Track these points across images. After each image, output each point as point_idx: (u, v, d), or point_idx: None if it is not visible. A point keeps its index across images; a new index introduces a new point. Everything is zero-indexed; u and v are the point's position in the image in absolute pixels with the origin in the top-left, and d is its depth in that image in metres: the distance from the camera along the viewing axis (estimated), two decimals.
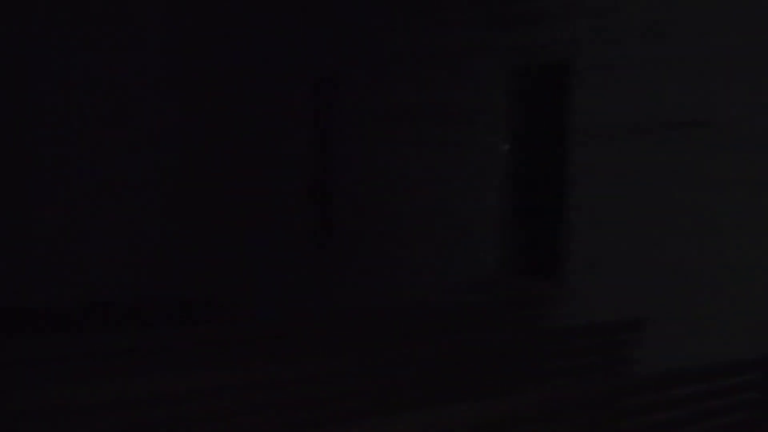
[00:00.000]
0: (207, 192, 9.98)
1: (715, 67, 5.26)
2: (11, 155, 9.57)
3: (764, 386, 4.68)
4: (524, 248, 6.56)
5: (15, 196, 9.62)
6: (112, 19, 10.01)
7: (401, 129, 7.41)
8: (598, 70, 5.87)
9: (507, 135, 6.58)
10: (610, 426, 4.11)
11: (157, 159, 10.35)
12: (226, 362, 4.84)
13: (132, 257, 10.23)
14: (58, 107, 9.76)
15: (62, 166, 9.81)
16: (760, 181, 5.01)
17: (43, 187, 9.75)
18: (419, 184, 7.22)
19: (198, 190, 10.11)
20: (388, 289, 7.43)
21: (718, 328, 5.13)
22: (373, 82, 7.75)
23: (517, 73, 6.56)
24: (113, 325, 9.12)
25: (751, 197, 5.06)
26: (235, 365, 4.14)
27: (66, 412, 3.60)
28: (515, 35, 6.42)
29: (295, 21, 8.71)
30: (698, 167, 5.33)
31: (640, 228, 5.61)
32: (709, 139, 5.28)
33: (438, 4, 7.11)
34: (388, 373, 4.50)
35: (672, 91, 5.47)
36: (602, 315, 5.60)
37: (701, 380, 4.43)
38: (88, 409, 3.66)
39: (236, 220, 9.53)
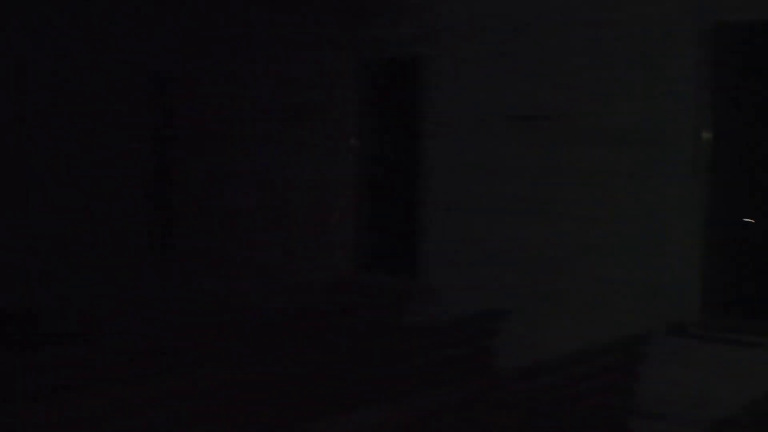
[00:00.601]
0: (34, 198, 9.29)
1: (561, 63, 5.38)
2: None
3: (626, 369, 4.82)
4: (381, 246, 6.49)
5: None
6: None
7: (248, 127, 7.16)
8: (451, 64, 5.88)
9: (359, 131, 6.49)
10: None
11: None
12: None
13: None
14: None
15: None
16: (609, 171, 5.17)
17: None
18: (269, 184, 7.00)
19: (24, 196, 9.40)
20: (238, 295, 7.15)
21: (580, 314, 5.25)
22: (216, 78, 7.44)
23: (368, 67, 6.47)
24: None
25: (600, 187, 5.20)
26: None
27: None
28: (366, 29, 6.33)
29: (130, 13, 8.22)
30: (549, 159, 5.43)
31: (496, 220, 5.65)
32: (557, 132, 5.40)
33: None
34: (251, 388, 4.29)
35: (521, 85, 5.54)
36: (465, 309, 5.58)
37: (565, 367, 4.51)
38: None
39: (65, 225, 8.91)
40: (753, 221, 4.90)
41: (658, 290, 4.97)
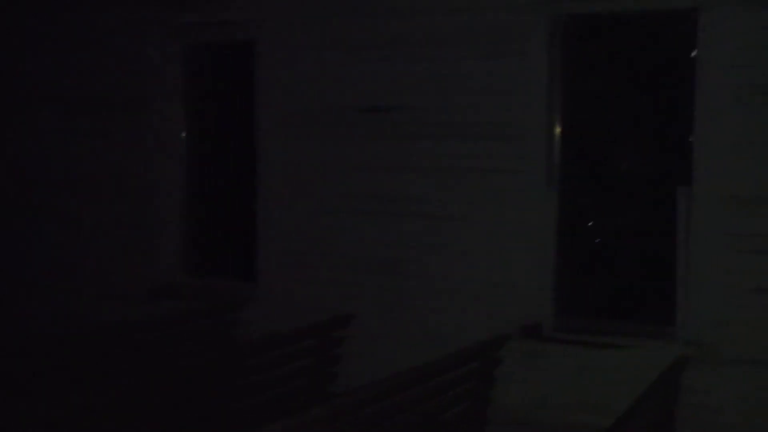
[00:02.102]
0: None
1: (408, 52, 5.12)
2: None
3: (482, 375, 4.64)
4: (214, 247, 6.00)
5: None
6: None
7: (65, 119, 6.38)
8: (287, 51, 5.48)
9: (188, 123, 5.97)
10: None
11: None
12: None
13: None
14: None
15: None
16: (461, 167, 4.98)
17: None
18: (88, 181, 6.29)
19: None
20: (54, 306, 6.38)
21: (431, 318, 5.03)
22: (30, 66, 6.59)
23: (196, 53, 5.95)
24: None
25: (451, 184, 5.00)
26: None
27: None
28: (193, 10, 5.78)
29: None
30: (396, 154, 5.17)
31: (340, 219, 5.34)
32: (405, 125, 5.14)
33: None
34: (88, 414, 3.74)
35: (365, 76, 5.24)
36: (308, 315, 5.23)
37: (419, 379, 4.25)
38: None
39: None
40: (593, 223, 4.89)
41: (511, 292, 4.84)
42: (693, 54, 4.49)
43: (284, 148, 5.51)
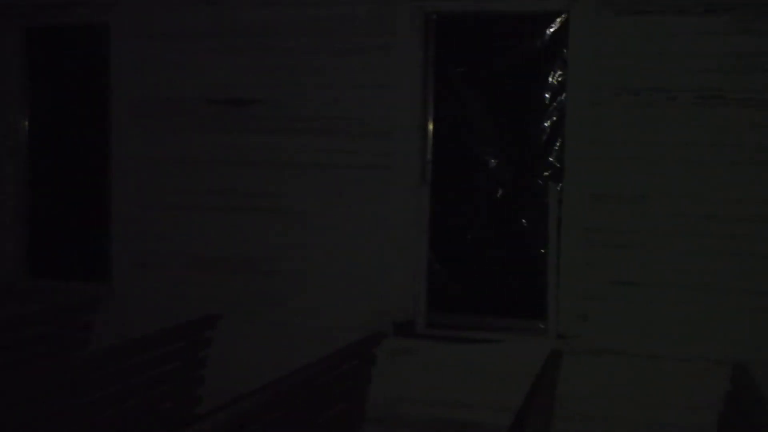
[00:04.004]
0: None
1: (265, 43, 4.97)
2: None
3: (357, 374, 4.60)
4: (61, 246, 5.59)
5: None
6: None
7: None
8: (140, 36, 5.17)
9: (27, 111, 5.52)
10: None
11: None
12: None
13: None
14: None
15: None
16: (328, 163, 4.88)
17: None
18: None
19: None
20: None
21: (301, 317, 4.91)
22: None
23: (37, 36, 5.50)
24: None
25: (319, 180, 4.90)
26: None
27: None
28: None
29: None
30: (258, 149, 5.00)
31: (200, 217, 5.10)
32: (268, 120, 4.99)
33: None
34: None
35: (222, 67, 5.03)
36: (164, 316, 4.96)
37: (302, 381, 4.16)
38: None
39: None
40: (466, 220, 4.94)
41: (383, 289, 4.80)
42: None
43: (139, 140, 5.20)
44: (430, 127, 4.87)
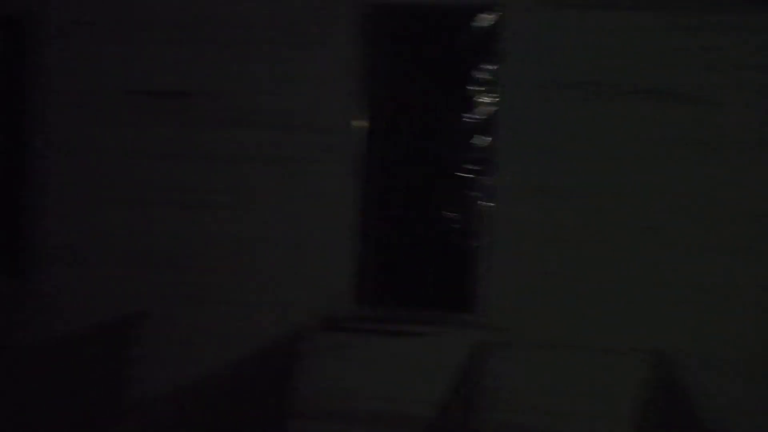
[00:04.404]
0: None
1: (199, 35, 4.88)
2: None
3: (284, 370, 4.55)
4: None
5: None
6: None
7: None
8: (64, 25, 5.02)
9: None
10: None
11: None
12: None
13: None
14: None
15: None
16: (257, 157, 4.82)
17: None
18: None
19: None
20: None
21: (228, 313, 4.83)
22: None
23: None
24: None
25: (247, 174, 4.83)
26: None
27: None
28: None
29: None
30: (189, 142, 4.90)
31: (127, 210, 4.97)
32: (200, 112, 4.89)
33: None
34: None
35: (153, 57, 4.93)
36: (84, 314, 4.85)
37: (228, 378, 4.09)
38: None
39: None
40: (397, 214, 4.92)
41: (313, 284, 4.76)
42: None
43: (62, 132, 5.05)
44: (364, 120, 4.84)
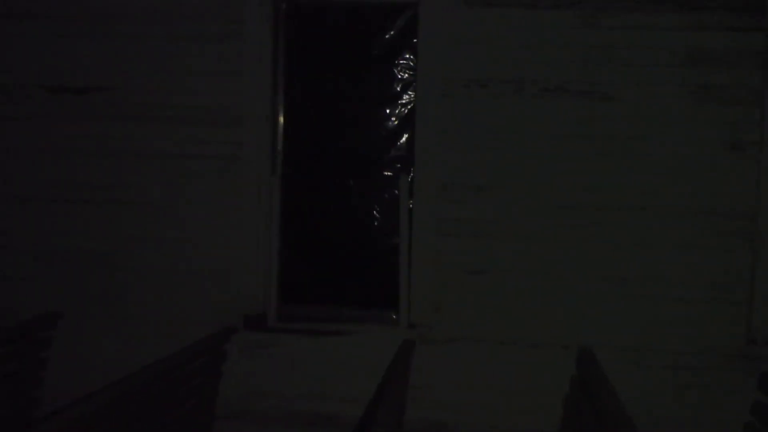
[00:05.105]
0: None
1: (109, 28, 4.73)
2: None
3: (208, 371, 4.47)
4: None
5: None
6: None
7: None
8: None
9: None
10: None
11: None
12: None
13: None
14: None
15: None
16: (174, 153, 4.71)
17: None
18: None
19: None
20: None
21: (147, 314, 4.71)
22: None
23: None
24: None
25: (163, 171, 4.72)
26: None
27: None
28: None
29: None
30: (102, 138, 4.75)
31: (37, 209, 4.79)
32: (112, 108, 4.75)
33: None
34: None
35: (65, 52, 4.77)
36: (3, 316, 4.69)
37: (151, 379, 3.99)
38: None
39: None
40: (319, 211, 4.89)
41: (234, 283, 4.68)
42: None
43: None
44: (281, 117, 4.80)
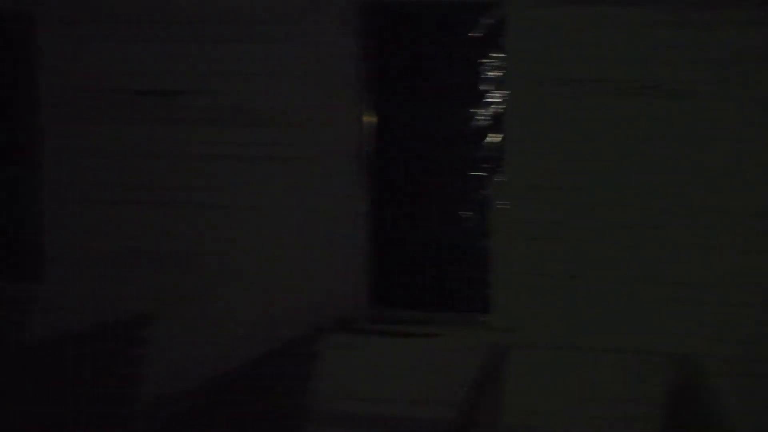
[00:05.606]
0: None
1: (197, 31, 4.83)
2: None
3: (298, 371, 4.53)
4: None
5: None
6: None
7: None
8: (62, 25, 4.98)
9: None
10: None
11: None
12: None
13: None
14: None
15: None
16: (262, 156, 4.79)
17: None
18: None
19: None
20: None
21: (240, 314, 4.79)
22: None
23: None
24: None
25: (253, 173, 4.80)
26: None
27: None
28: None
29: None
30: (188, 141, 4.87)
31: (130, 211, 4.93)
32: (196, 111, 4.85)
33: None
34: None
35: (148, 55, 4.89)
36: (97, 315, 4.83)
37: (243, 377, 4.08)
38: None
39: None
40: (409, 213, 4.89)
41: (324, 284, 4.72)
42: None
43: (68, 133, 5.01)
44: (367, 118, 4.80)
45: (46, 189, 5.06)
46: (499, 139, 4.64)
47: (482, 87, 4.69)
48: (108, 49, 4.93)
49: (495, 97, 4.67)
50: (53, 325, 4.89)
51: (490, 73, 4.68)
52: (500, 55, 4.62)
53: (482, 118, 4.71)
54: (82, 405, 4.37)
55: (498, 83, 4.65)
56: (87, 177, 5.00)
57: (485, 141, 4.70)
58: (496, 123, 4.66)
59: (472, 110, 4.72)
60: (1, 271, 5.24)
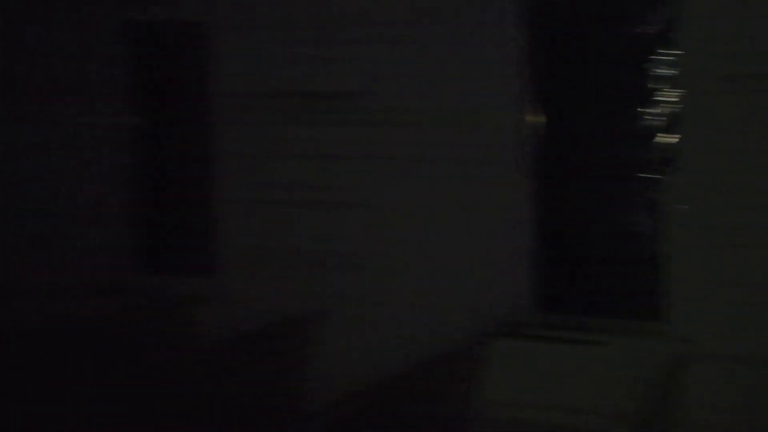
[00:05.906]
0: None
1: (355, 33, 4.86)
2: None
3: (459, 375, 4.48)
4: (164, 242, 5.62)
5: None
6: None
7: None
8: (228, 32, 5.15)
9: (132, 107, 5.54)
10: None
11: None
12: None
13: None
14: None
15: None
16: (425, 158, 4.77)
17: None
18: (21, 171, 5.79)
19: None
20: None
21: (403, 316, 4.82)
22: None
23: (137, 30, 5.52)
24: None
25: (417, 176, 4.79)
26: None
27: None
28: None
29: None
30: (353, 144, 4.93)
31: (300, 213, 5.05)
32: (359, 113, 4.89)
33: None
34: None
35: (309, 58, 4.97)
36: (270, 313, 4.94)
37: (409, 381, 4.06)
38: None
39: None
40: (575, 215, 4.76)
41: (487, 288, 4.67)
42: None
43: (237, 136, 5.20)
44: (533, 117, 4.70)
45: (217, 189, 5.25)
46: (671, 139, 4.43)
47: (651, 85, 4.50)
48: (276, 53, 5.05)
49: (666, 95, 4.46)
50: (226, 322, 5.06)
51: (659, 71, 4.47)
52: (671, 51, 4.41)
53: (652, 117, 4.52)
54: (253, 402, 4.49)
55: (670, 81, 4.43)
56: (255, 178, 5.15)
57: (655, 141, 4.51)
58: (667, 122, 4.45)
59: (640, 109, 4.54)
60: (182, 268, 5.50)
